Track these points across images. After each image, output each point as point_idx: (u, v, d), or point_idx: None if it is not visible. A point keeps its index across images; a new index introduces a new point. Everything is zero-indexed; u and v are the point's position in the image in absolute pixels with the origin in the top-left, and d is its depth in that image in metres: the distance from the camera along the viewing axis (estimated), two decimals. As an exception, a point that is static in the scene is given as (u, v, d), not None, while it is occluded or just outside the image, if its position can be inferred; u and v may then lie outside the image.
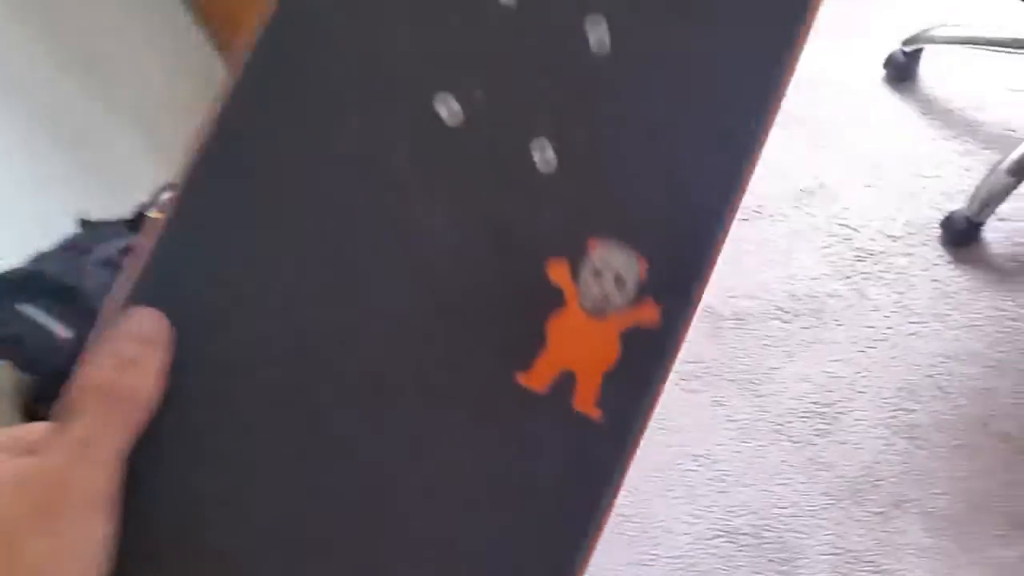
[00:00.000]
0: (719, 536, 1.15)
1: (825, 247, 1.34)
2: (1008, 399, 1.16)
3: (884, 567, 1.09)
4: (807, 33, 0.28)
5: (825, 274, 1.31)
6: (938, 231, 1.30)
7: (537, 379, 0.27)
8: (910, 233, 1.32)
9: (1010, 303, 1.22)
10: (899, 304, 1.26)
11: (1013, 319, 1.21)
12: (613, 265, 0.27)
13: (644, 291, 0.27)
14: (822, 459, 1.18)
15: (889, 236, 1.32)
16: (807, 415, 1.21)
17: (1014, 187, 1.22)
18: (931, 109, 1.43)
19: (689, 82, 0.27)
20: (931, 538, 1.10)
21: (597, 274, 0.27)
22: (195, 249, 0.27)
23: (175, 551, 0.27)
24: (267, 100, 0.27)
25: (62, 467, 0.24)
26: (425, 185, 0.27)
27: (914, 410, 1.19)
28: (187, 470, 0.27)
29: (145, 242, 0.27)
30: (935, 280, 1.27)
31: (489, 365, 0.27)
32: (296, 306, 0.27)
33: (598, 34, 0.27)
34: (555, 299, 0.27)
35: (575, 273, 0.27)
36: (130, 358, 0.26)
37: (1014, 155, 1.23)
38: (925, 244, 1.30)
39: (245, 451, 0.27)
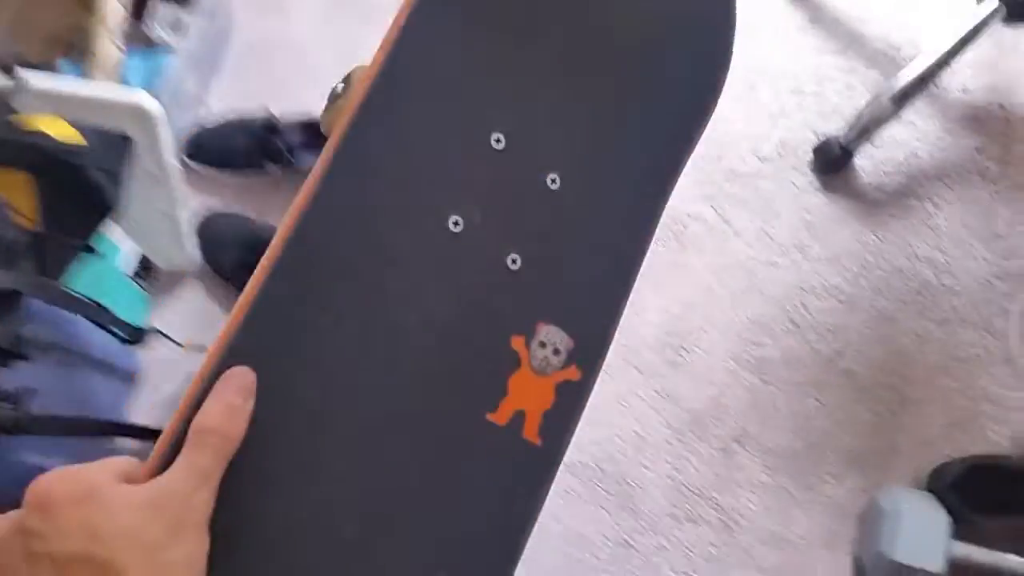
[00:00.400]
0: (561, 468, 1.09)
1: (693, 164, 1.24)
2: (857, 336, 1.13)
3: (721, 503, 1.07)
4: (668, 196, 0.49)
5: (691, 194, 1.22)
6: (810, 155, 1.23)
7: (500, 417, 0.39)
8: (781, 155, 1.24)
9: (872, 237, 1.18)
10: (762, 232, 1.20)
11: (872, 254, 1.17)
12: (553, 340, 0.41)
13: (571, 358, 0.42)
14: (669, 391, 1.13)
15: (759, 157, 1.23)
16: (659, 345, 1.15)
17: (895, 116, 1.15)
18: (819, 17, 1.33)
19: (602, 227, 0.44)
20: (769, 475, 1.08)
21: (542, 345, 0.41)
22: (279, 313, 0.38)
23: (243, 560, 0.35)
24: (336, 209, 0.39)
25: (189, 492, 0.32)
26: (436, 277, 0.40)
27: (765, 344, 1.14)
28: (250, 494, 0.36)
29: (243, 299, 0.37)
30: (801, 208, 1.21)
31: (469, 406, 0.40)
32: (343, 365, 0.38)
33: (552, 177, 0.43)
34: (514, 362, 0.40)
35: (528, 343, 0.41)
36: (235, 407, 0.35)
37: (898, 82, 1.15)
38: (795, 168, 1.23)
39: (294, 468, 0.37)
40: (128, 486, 0.32)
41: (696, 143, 0.48)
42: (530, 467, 0.40)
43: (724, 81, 0.49)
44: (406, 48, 0.41)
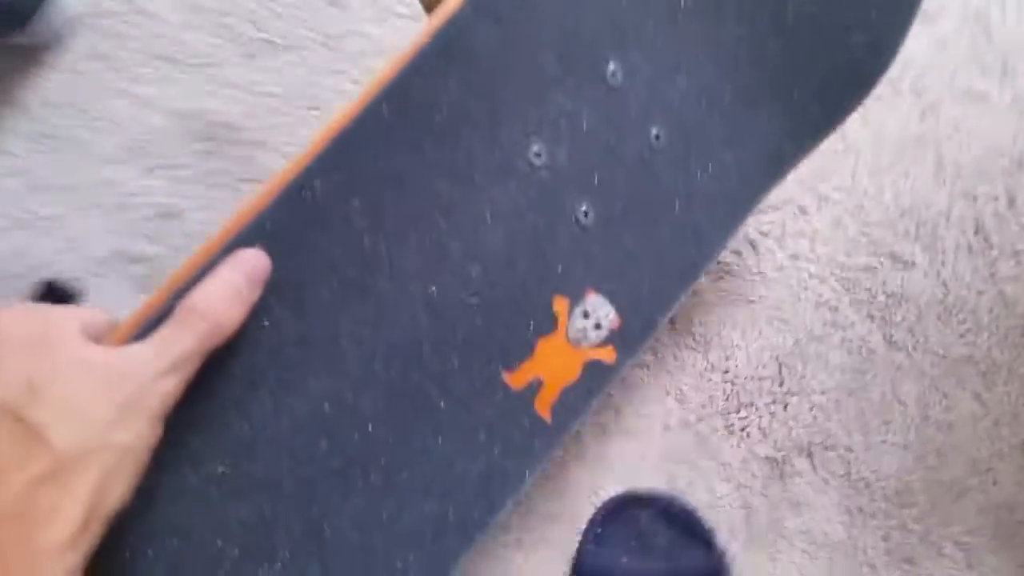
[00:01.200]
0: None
1: None
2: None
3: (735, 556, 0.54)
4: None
5: None
6: None
7: (517, 379, 0.36)
8: None
9: None
10: (976, 30, 0.55)
11: None
12: (598, 313, 0.37)
13: (610, 338, 0.38)
14: (715, 324, 0.54)
15: None
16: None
17: None
18: None
19: (692, 205, 0.39)
20: (846, 526, 0.54)
21: (585, 315, 0.37)
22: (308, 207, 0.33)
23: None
24: (416, 98, 0.34)
25: (157, 375, 0.27)
26: (498, 205, 0.36)
27: (915, 265, 0.55)
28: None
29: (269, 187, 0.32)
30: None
31: (490, 358, 0.36)
32: (365, 275, 0.34)
33: (656, 132, 0.38)
34: (550, 323, 0.37)
35: (571, 308, 0.37)
36: (239, 294, 0.30)
37: None
38: None
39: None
40: (90, 346, 0.27)
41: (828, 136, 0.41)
42: (531, 442, 0.37)
43: (882, 76, 0.42)
44: None
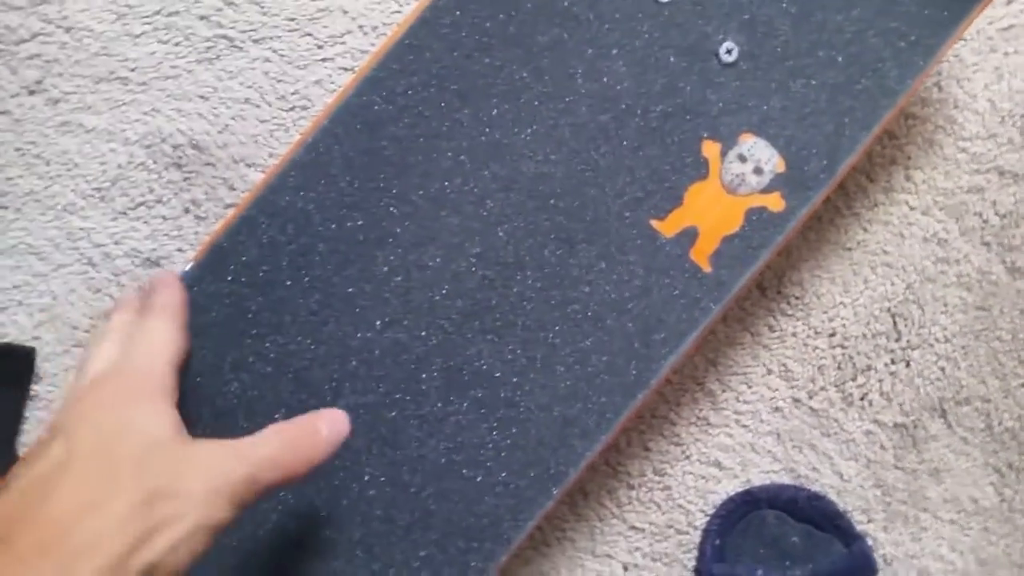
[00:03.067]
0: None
1: None
2: None
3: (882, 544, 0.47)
4: None
5: None
6: None
7: (667, 227, 0.35)
8: None
9: None
10: None
11: None
12: (757, 156, 0.35)
13: (776, 184, 0.35)
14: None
15: None
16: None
17: None
18: None
19: (867, 23, 0.35)
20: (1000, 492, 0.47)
21: (742, 159, 0.35)
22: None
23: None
24: None
25: (242, 476, 0.29)
26: (626, 47, 0.35)
27: None
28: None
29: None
30: None
31: (633, 206, 0.35)
32: (493, 120, 0.36)
33: None
34: (700, 170, 0.35)
35: (723, 153, 0.35)
36: (316, 454, 0.31)
37: None
38: None
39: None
40: (193, 442, 0.30)
41: None
42: (690, 293, 0.35)
43: None
44: None
